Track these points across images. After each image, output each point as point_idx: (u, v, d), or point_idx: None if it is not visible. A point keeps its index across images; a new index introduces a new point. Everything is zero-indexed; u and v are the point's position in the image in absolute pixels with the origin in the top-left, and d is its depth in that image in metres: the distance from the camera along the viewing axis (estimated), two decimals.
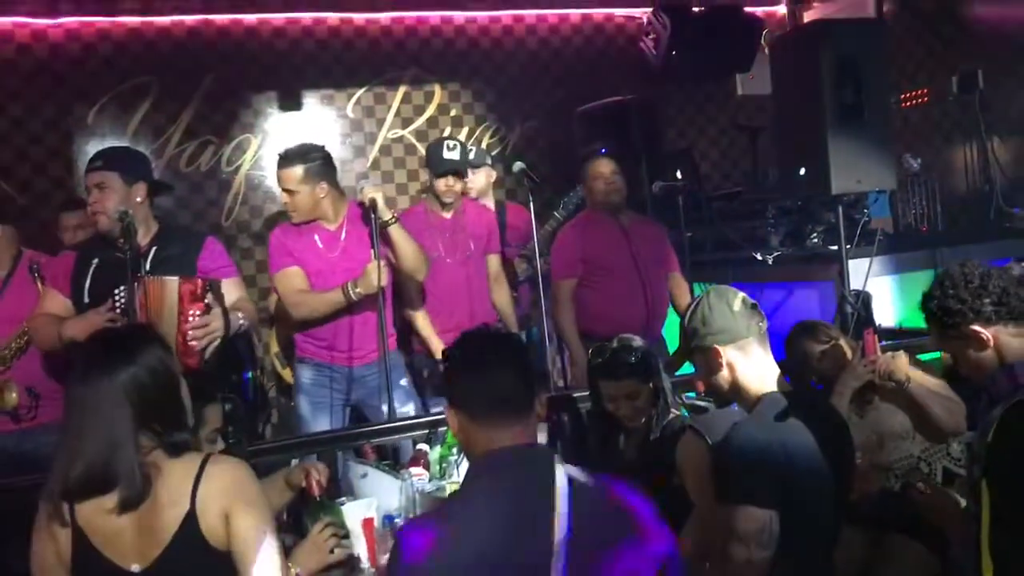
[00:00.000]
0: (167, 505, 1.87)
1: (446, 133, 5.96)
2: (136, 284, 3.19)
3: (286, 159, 3.73)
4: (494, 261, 4.36)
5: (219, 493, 1.88)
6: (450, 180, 4.10)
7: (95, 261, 3.38)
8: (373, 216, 3.54)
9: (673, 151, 6.10)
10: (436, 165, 4.11)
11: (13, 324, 3.60)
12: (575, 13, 6.28)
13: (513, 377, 1.82)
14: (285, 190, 3.74)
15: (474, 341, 1.92)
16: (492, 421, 1.79)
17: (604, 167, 4.40)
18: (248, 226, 5.63)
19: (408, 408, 3.83)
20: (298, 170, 3.69)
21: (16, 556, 3.60)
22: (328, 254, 3.76)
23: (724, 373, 2.23)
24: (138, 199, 3.40)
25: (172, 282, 3.24)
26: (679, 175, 5.29)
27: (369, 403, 3.87)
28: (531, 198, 3.91)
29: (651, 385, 2.90)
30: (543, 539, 1.67)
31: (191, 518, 1.86)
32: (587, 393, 3.20)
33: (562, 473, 1.75)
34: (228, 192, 5.59)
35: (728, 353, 2.21)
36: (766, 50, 6.39)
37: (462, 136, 5.98)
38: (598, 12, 6.33)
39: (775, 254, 4.93)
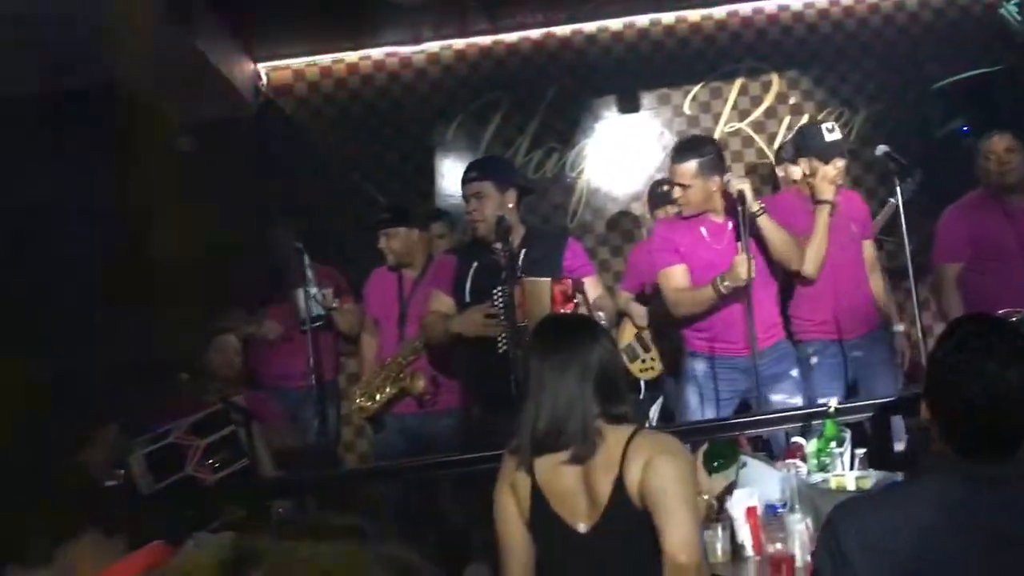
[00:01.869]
0: (603, 468, 2.08)
1: (785, 123, 5.83)
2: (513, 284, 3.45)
3: (680, 153, 3.79)
4: (868, 247, 4.18)
5: (642, 451, 2.07)
6: (839, 163, 3.96)
7: (474, 264, 3.70)
8: (741, 208, 3.54)
9: None
10: (823, 149, 3.95)
11: None
12: None
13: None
14: (678, 184, 3.79)
15: (982, 335, 1.64)
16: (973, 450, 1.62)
17: (998, 145, 4.10)
18: (591, 227, 5.83)
19: (797, 399, 3.78)
20: (692, 165, 3.73)
21: (424, 521, 4.00)
22: (716, 246, 3.80)
23: None
24: (509, 204, 3.67)
25: (545, 283, 3.46)
26: None
27: (755, 394, 3.84)
28: (898, 182, 3.71)
29: None
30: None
31: (620, 481, 2.06)
32: None
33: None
34: (572, 196, 5.83)
35: None
36: None
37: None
38: None
39: None
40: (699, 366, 3.90)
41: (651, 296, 4.50)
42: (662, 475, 2.01)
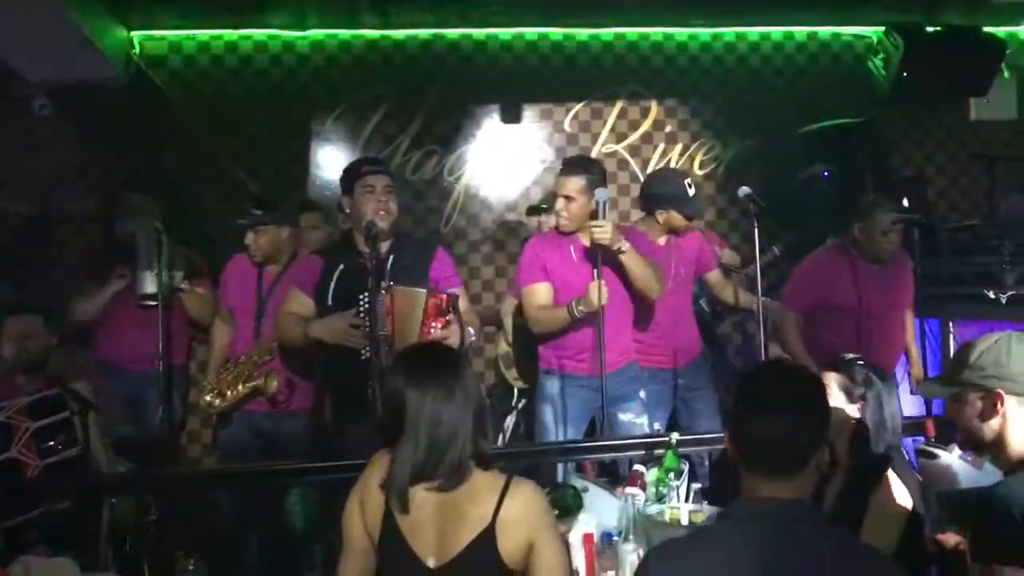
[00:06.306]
0: (470, 513, 2.04)
1: (659, 149, 5.98)
2: (383, 292, 3.38)
3: (571, 167, 3.90)
4: (715, 275, 4.55)
5: (523, 519, 2.05)
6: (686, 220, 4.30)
7: (340, 267, 3.62)
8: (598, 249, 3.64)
9: (902, 178, 5.83)
10: (683, 204, 4.23)
11: None
12: (801, 30, 6.12)
13: (795, 427, 1.76)
14: (564, 196, 3.86)
15: (770, 378, 1.88)
16: (760, 471, 1.77)
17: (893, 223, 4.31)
18: (464, 233, 5.83)
19: (643, 420, 3.94)
20: (580, 180, 3.82)
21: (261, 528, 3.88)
22: (581, 268, 3.86)
23: (994, 422, 2.08)
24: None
25: (420, 294, 3.42)
26: (906, 203, 5.07)
27: (608, 411, 3.90)
28: (756, 225, 3.86)
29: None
30: None
31: (489, 533, 2.02)
32: None
33: (825, 535, 1.72)
34: (448, 200, 5.82)
35: (1009, 402, 2.06)
36: (1005, 73, 6.03)
37: (675, 153, 5.99)
38: (825, 30, 6.14)
39: (1009, 293, 4.63)
40: (552, 384, 3.97)
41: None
42: (553, 549, 2.06)
